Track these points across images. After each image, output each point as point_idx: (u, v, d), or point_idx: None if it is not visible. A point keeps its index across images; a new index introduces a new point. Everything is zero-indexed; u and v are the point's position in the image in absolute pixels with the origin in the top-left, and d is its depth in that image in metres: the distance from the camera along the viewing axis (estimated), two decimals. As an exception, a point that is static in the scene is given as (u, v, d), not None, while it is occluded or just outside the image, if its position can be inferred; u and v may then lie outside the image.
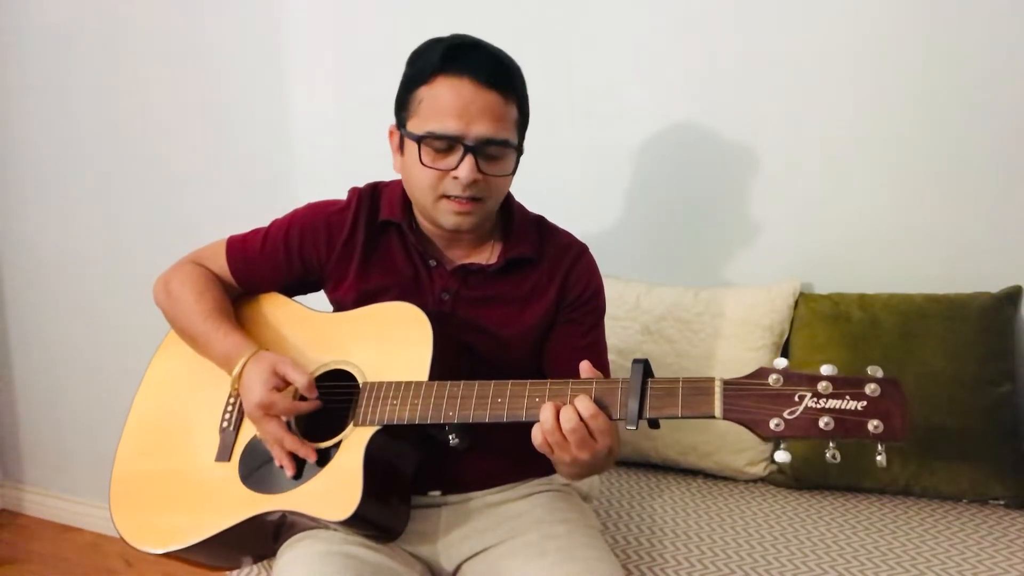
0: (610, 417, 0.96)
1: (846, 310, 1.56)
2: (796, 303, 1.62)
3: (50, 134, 2.47)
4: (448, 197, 1.11)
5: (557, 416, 0.95)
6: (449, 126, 1.07)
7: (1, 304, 2.68)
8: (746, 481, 1.62)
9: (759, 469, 1.60)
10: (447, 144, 1.08)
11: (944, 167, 1.57)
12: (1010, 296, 1.51)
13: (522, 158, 1.17)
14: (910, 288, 1.56)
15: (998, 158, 1.53)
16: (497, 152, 1.10)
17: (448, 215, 1.12)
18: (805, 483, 1.54)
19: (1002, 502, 1.46)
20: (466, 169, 1.07)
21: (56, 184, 2.49)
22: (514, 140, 1.12)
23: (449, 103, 1.07)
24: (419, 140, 1.09)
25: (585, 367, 0.99)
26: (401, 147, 1.16)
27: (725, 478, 1.63)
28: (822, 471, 1.53)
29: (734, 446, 1.59)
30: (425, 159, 1.09)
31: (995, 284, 1.53)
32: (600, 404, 0.95)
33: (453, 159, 1.08)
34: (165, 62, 2.28)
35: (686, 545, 1.32)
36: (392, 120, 1.18)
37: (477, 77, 1.07)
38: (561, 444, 0.96)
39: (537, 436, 0.97)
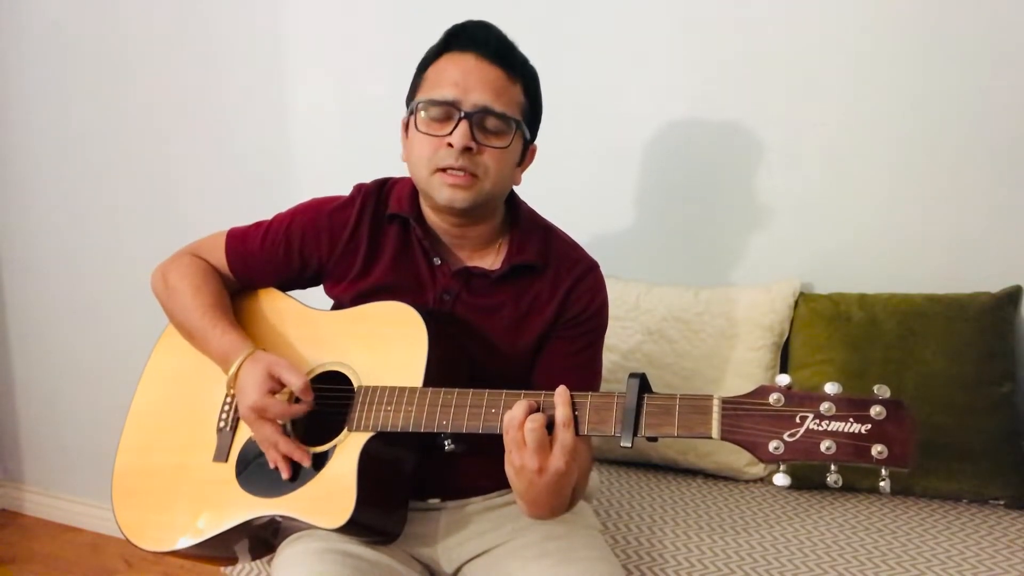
0: (577, 432, 0.93)
1: (846, 310, 1.56)
2: (796, 303, 1.62)
3: (50, 133, 2.47)
4: (443, 170, 1.08)
5: (526, 412, 0.93)
6: (446, 93, 1.07)
7: (1, 304, 2.68)
8: (746, 481, 1.62)
9: (759, 469, 1.60)
10: (443, 112, 1.08)
11: (944, 167, 1.57)
12: (1010, 296, 1.51)
13: (522, 166, 1.17)
14: (910, 288, 1.56)
15: (998, 158, 1.53)
16: (495, 126, 1.09)
17: (442, 188, 1.09)
18: (805, 483, 1.54)
19: (1002, 502, 1.46)
20: (459, 135, 1.06)
21: (56, 183, 2.49)
22: (516, 118, 1.11)
23: (450, 73, 1.08)
24: (415, 106, 1.10)
25: (560, 392, 0.95)
26: (407, 131, 1.15)
27: (725, 478, 1.63)
28: (822, 471, 1.52)
29: (734, 446, 1.58)
30: (420, 125, 1.09)
31: (995, 284, 1.52)
32: (579, 421, 0.93)
33: (449, 127, 1.08)
34: (165, 62, 2.28)
35: (686, 545, 1.32)
36: (396, 119, 1.18)
37: (480, 52, 1.09)
38: (517, 442, 0.93)
39: (503, 424, 0.95)
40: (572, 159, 1.85)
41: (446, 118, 1.08)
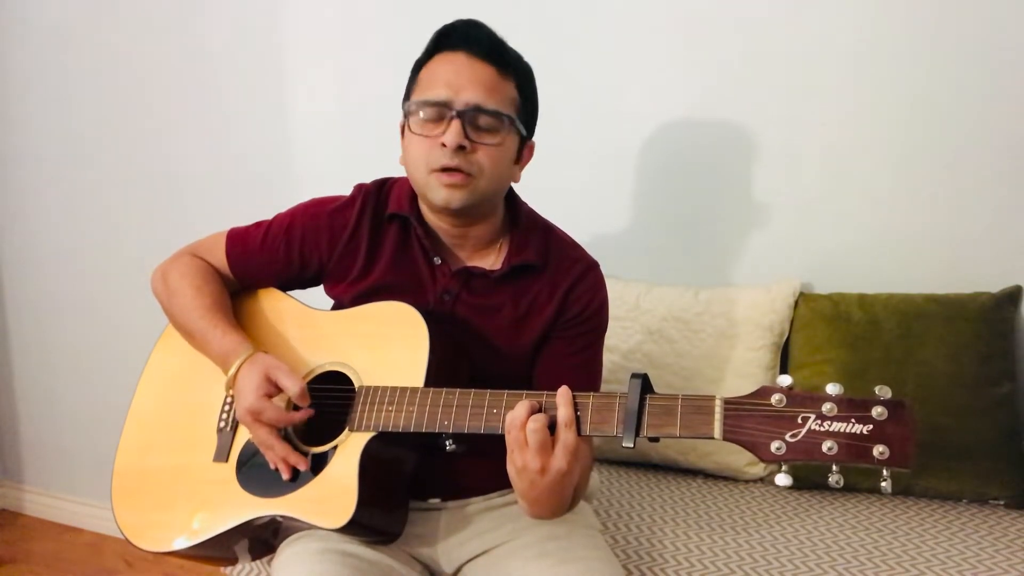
0: (579, 432, 0.93)
1: (846, 310, 1.56)
2: (796, 303, 1.62)
3: (50, 134, 2.47)
4: (439, 171, 1.08)
5: (528, 413, 0.93)
6: (438, 93, 1.08)
7: (1, 303, 2.68)
8: (746, 481, 1.62)
9: (759, 469, 1.60)
10: (436, 112, 1.08)
11: (944, 167, 1.57)
12: (1010, 296, 1.51)
13: (519, 164, 1.17)
14: (910, 288, 1.56)
15: (998, 158, 1.53)
16: (488, 124, 1.08)
17: (438, 189, 1.09)
18: (805, 483, 1.54)
19: (1002, 502, 1.46)
20: (451, 134, 1.06)
21: (56, 184, 2.49)
22: (509, 114, 1.10)
23: (441, 73, 1.09)
24: (408, 108, 1.10)
25: (562, 392, 0.95)
26: (403, 134, 1.15)
27: (725, 478, 1.63)
28: (822, 471, 1.52)
29: (734, 446, 1.58)
30: (414, 126, 1.09)
31: (995, 284, 1.52)
32: (581, 421, 0.93)
33: (442, 126, 1.08)
34: (165, 62, 2.28)
35: (686, 545, 1.32)
36: (397, 118, 1.18)
37: (471, 50, 1.09)
38: (519, 442, 0.93)
39: (506, 424, 0.95)
40: (572, 159, 1.85)
41: (439, 118, 1.08)
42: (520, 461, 0.94)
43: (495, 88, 1.09)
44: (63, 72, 2.41)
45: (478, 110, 1.07)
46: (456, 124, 1.06)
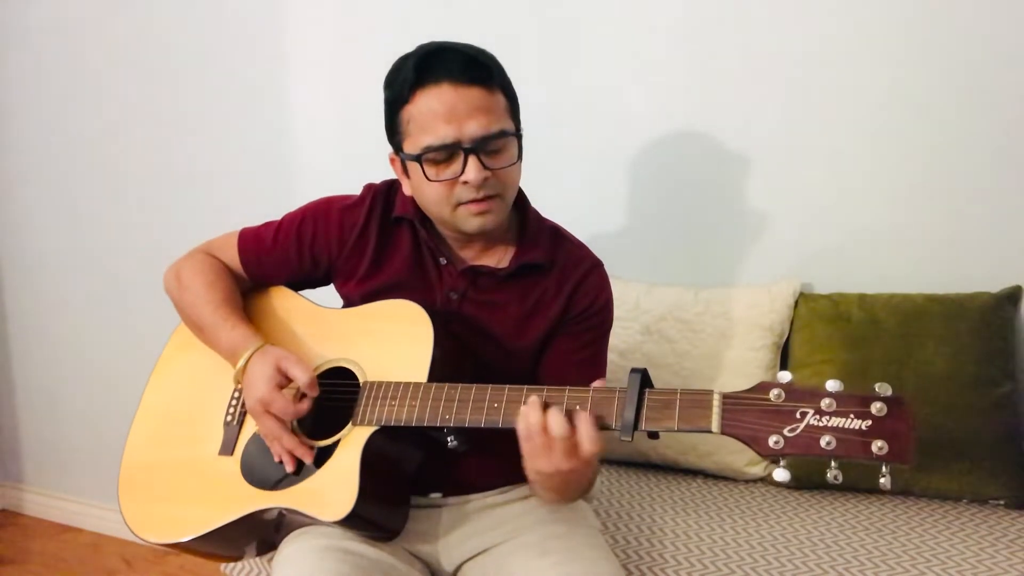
0: (606, 427, 0.94)
1: (846, 310, 1.56)
2: (796, 303, 1.62)
3: (50, 134, 2.47)
4: (464, 203, 1.09)
5: (544, 415, 0.93)
6: (443, 134, 1.06)
7: (1, 303, 2.69)
8: (746, 481, 1.62)
9: (759, 469, 1.60)
10: (447, 153, 1.07)
11: (944, 167, 1.57)
12: (1010, 296, 1.51)
13: (522, 159, 1.17)
14: (910, 288, 1.56)
15: (998, 158, 1.53)
16: (497, 145, 1.09)
17: (469, 220, 1.10)
18: (805, 483, 1.54)
19: (1002, 502, 1.46)
20: (472, 171, 1.06)
21: (56, 184, 2.50)
22: (510, 127, 1.10)
23: (435, 112, 1.06)
24: (418, 158, 1.08)
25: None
26: (406, 171, 1.15)
27: (725, 478, 1.63)
28: (821, 471, 1.52)
29: (734, 446, 1.58)
30: (429, 174, 1.08)
31: (995, 284, 1.52)
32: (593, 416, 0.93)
33: (456, 165, 1.07)
34: (166, 62, 2.28)
35: (686, 545, 1.32)
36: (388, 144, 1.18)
37: (454, 78, 1.06)
38: (547, 447, 0.93)
39: (521, 431, 0.95)
40: (572, 159, 1.85)
41: (449, 158, 1.08)
42: (550, 466, 0.94)
43: (490, 108, 1.07)
44: (64, 72, 2.41)
45: (486, 139, 1.07)
46: (473, 160, 1.06)
